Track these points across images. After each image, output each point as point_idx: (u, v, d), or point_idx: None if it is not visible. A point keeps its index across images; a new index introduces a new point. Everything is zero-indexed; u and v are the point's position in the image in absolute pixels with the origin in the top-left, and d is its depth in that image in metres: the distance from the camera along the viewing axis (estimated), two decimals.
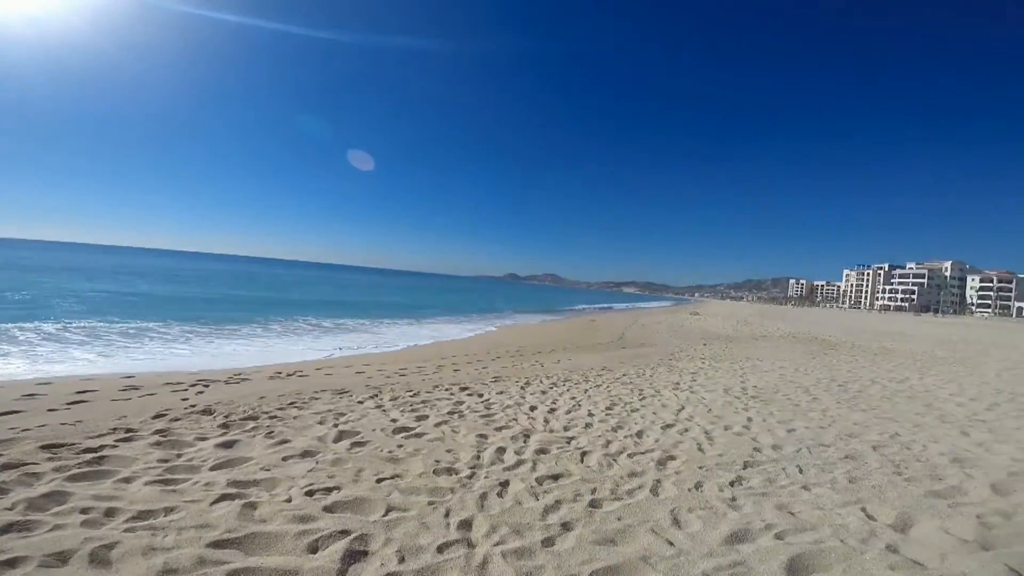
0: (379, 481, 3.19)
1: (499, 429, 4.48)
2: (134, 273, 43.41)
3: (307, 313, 20.88)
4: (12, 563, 2.18)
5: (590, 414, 5.34)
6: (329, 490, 3.03)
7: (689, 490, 3.33)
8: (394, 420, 4.66)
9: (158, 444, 3.84)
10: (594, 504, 3.03)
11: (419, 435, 4.21)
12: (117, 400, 5.64)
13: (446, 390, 6.36)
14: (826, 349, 14.93)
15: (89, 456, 3.50)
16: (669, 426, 5.01)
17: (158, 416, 4.70)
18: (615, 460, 3.82)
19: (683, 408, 5.92)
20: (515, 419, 4.89)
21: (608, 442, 4.30)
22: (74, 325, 12.57)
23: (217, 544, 2.40)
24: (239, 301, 25.39)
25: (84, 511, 2.67)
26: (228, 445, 3.86)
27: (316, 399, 5.61)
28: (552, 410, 5.41)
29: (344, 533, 2.52)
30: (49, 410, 5.08)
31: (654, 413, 5.58)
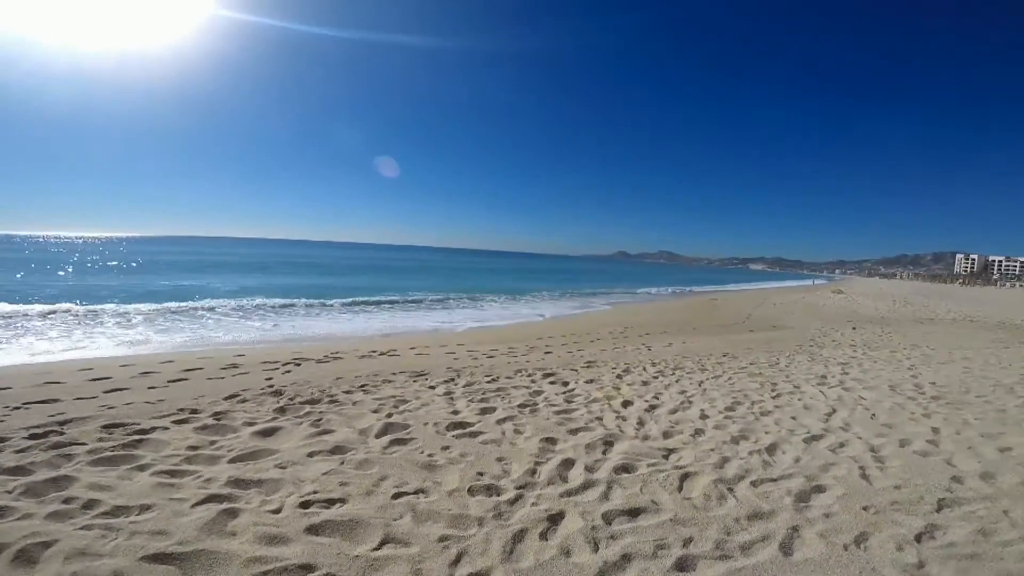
0: (396, 496, 2.42)
1: (574, 432, 3.47)
2: (285, 262, 48.92)
3: (428, 291, 21.65)
4: None
5: (703, 416, 4.08)
6: (330, 502, 2.35)
7: (847, 548, 2.08)
8: (455, 412, 3.90)
9: (204, 428, 3.54)
10: (684, 566, 1.94)
11: (474, 434, 3.38)
12: (213, 378, 5.70)
13: (528, 376, 5.49)
14: (1022, 338, 11.31)
15: (132, 439, 3.27)
16: (815, 438, 3.59)
17: (230, 397, 4.49)
18: (731, 490, 2.62)
19: (834, 412, 4.36)
20: (599, 418, 3.82)
21: (723, 460, 3.06)
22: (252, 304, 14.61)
23: (156, 558, 1.97)
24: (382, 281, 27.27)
25: (67, 501, 2.40)
26: (267, 433, 3.41)
27: (389, 382, 5.10)
28: (652, 407, 4.24)
29: (305, 570, 1.82)
30: (150, 388, 5.20)
31: (793, 418, 4.14)
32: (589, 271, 67.94)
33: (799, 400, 4.86)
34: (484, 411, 3.91)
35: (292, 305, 14.98)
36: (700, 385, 5.34)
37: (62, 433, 3.45)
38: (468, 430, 3.47)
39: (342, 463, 2.84)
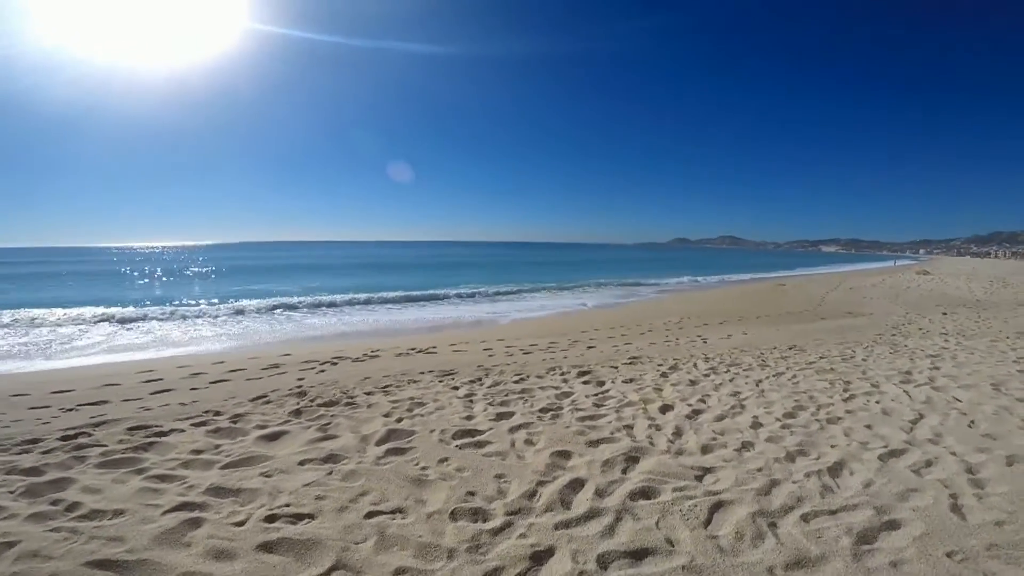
0: (370, 515, 2.15)
1: (595, 443, 3.02)
2: (340, 263, 49.80)
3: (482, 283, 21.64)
4: None
5: (755, 424, 3.48)
6: (298, 518, 2.13)
7: None
8: (469, 417, 3.57)
9: (217, 431, 3.47)
10: None
11: (480, 444, 3.04)
12: (252, 379, 5.78)
13: (561, 374, 5.07)
14: None
15: (146, 442, 3.26)
16: (894, 454, 2.92)
17: (257, 398, 4.45)
18: (773, 526, 2.09)
19: (921, 418, 3.61)
20: (629, 427, 3.34)
21: (771, 484, 2.50)
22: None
23: (99, 564, 1.88)
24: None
25: (56, 502, 2.38)
26: (273, 438, 3.27)
27: (415, 382, 4.88)
28: (695, 413, 3.68)
29: None
30: (192, 388, 5.34)
31: (867, 427, 3.45)
32: (645, 259, 65.25)
33: (877, 403, 4.12)
34: (500, 416, 3.56)
35: (348, 303, 15.39)
36: (757, 385, 4.69)
37: (91, 435, 3.50)
38: (475, 439, 3.14)
39: (329, 474, 2.62)
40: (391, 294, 17.04)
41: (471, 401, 3.98)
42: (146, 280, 29.09)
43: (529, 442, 3.06)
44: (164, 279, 29.80)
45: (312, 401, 4.20)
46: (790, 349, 7.18)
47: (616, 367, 5.46)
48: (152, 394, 5.12)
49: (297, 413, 3.86)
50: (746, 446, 3.06)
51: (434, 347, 8.05)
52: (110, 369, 7.10)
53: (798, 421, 3.59)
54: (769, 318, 11.46)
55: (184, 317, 12.53)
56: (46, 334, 10.09)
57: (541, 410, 3.68)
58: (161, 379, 5.84)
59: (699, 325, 10.52)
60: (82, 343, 9.40)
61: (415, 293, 17.53)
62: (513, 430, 3.26)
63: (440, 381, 4.83)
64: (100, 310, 13.04)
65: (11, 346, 8.99)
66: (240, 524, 2.10)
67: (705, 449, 2.99)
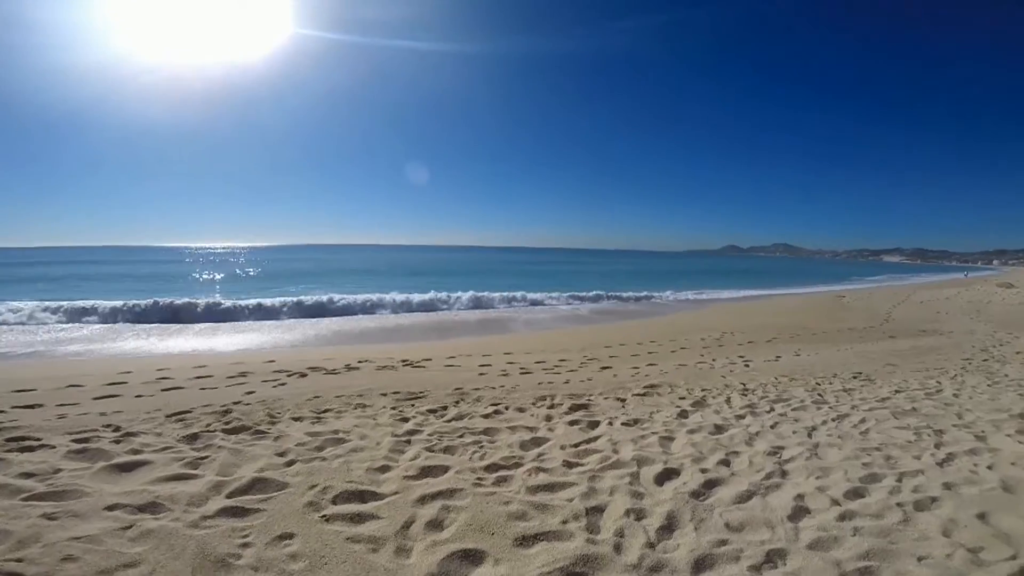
0: None
1: (528, 541, 1.86)
2: (440, 272, 47.55)
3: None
4: None
5: (798, 510, 2.22)
6: None
7: None
8: (383, 468, 2.45)
9: (82, 452, 2.70)
10: None
11: (361, 518, 1.95)
12: (207, 388, 4.93)
13: (549, 407, 3.88)
14: None
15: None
16: None
17: (178, 413, 3.59)
18: None
19: None
20: (598, 508, 2.14)
21: None
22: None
23: None
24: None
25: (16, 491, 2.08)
26: (126, 468, 2.47)
27: (363, 407, 3.85)
28: (707, 487, 2.43)
29: None
30: (136, 396, 4.60)
31: (981, 518, 2.16)
32: (692, 268, 61.72)
33: (989, 469, 2.76)
34: (426, 472, 2.48)
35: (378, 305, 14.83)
36: (809, 434, 3.37)
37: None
38: (362, 507, 2.08)
39: (125, 528, 1.73)
40: (454, 295, 16.39)
41: (408, 442, 2.93)
42: (213, 278, 30.66)
43: (436, 524, 1.97)
44: (233, 278, 31.30)
45: (226, 424, 3.31)
46: (855, 378, 5.71)
47: (624, 399, 4.25)
48: (100, 398, 4.44)
49: (192, 438, 2.97)
50: (773, 559, 1.84)
51: (429, 359, 7.10)
52: (163, 361, 7.00)
53: (868, 504, 2.32)
54: (827, 335, 9.78)
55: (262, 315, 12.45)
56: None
57: (489, 467, 2.56)
58: (125, 383, 5.20)
59: (743, 343, 9.03)
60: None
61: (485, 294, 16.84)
62: (426, 499, 2.17)
63: (393, 408, 3.82)
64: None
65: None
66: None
67: (700, 566, 1.79)
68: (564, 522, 2.01)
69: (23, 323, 11.24)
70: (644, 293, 20.30)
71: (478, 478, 2.41)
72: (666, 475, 2.51)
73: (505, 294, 17.22)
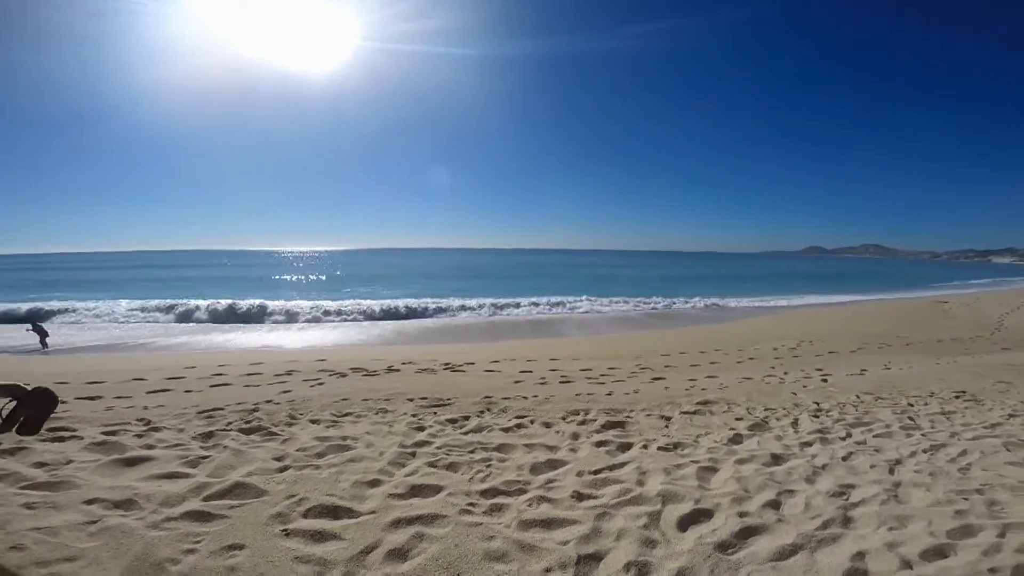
0: None
1: None
2: (528, 271, 47.13)
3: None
4: None
5: (855, 571, 1.70)
6: None
7: None
8: (373, 483, 2.19)
9: (102, 444, 2.69)
10: None
11: (323, 536, 1.69)
12: (250, 386, 5.07)
13: (580, 423, 3.47)
14: None
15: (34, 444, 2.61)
16: None
17: (209, 411, 3.64)
18: None
19: None
20: (595, 557, 1.73)
21: None
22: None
23: None
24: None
25: (18, 479, 2.09)
26: (130, 463, 2.42)
27: (384, 411, 3.69)
28: (741, 537, 1.90)
29: None
30: (185, 392, 4.79)
31: None
32: (768, 272, 56.81)
33: None
34: (416, 491, 2.20)
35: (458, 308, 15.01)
36: (891, 470, 2.72)
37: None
38: (332, 524, 1.85)
39: (85, 524, 1.66)
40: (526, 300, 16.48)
41: (412, 455, 2.69)
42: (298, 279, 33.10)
43: (399, 553, 1.66)
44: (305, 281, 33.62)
45: (246, 423, 3.26)
46: (956, 398, 4.78)
47: (669, 417, 3.75)
48: (153, 392, 4.68)
49: (206, 436, 2.93)
50: None
51: (472, 362, 6.92)
52: (185, 356, 7.16)
53: (949, 569, 1.74)
54: (924, 346, 8.45)
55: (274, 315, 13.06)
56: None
57: (487, 491, 2.24)
58: (183, 378, 5.46)
59: (822, 353, 8.03)
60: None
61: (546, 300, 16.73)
62: (400, 523, 1.88)
63: (413, 416, 3.61)
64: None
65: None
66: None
67: None
68: (547, 571, 1.64)
69: (127, 320, 12.53)
70: (713, 300, 18.94)
71: (470, 503, 2.10)
72: (693, 517, 2.05)
73: (562, 298, 16.77)
